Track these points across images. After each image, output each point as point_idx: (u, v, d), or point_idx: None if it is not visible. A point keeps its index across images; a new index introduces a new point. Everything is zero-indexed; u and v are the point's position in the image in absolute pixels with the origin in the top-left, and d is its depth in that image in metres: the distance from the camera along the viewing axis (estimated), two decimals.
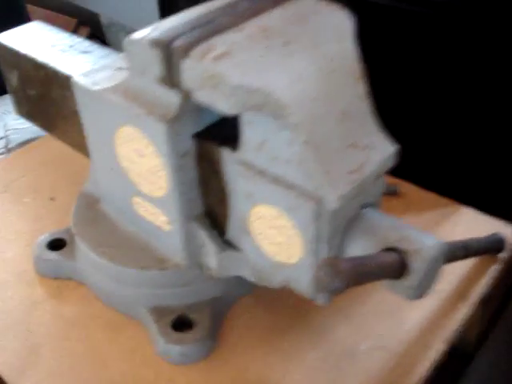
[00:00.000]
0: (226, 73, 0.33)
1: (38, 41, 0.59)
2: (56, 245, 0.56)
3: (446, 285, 0.52)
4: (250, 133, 0.37)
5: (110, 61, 0.49)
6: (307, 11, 0.38)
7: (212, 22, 0.37)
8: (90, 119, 0.48)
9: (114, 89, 0.44)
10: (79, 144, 0.57)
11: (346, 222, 0.38)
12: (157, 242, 0.50)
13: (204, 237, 0.46)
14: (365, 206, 0.39)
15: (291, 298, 0.51)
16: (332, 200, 0.35)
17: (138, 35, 0.37)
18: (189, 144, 0.42)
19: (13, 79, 0.61)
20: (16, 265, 0.58)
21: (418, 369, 0.46)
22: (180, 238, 0.47)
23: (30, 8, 1.14)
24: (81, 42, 0.58)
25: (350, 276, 0.32)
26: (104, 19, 1.08)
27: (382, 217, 0.39)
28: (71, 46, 0.57)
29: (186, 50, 0.34)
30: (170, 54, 0.35)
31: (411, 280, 0.37)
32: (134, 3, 0.90)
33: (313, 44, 0.36)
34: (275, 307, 0.52)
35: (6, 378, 0.48)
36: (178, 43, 0.34)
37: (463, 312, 0.51)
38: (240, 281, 0.48)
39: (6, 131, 0.89)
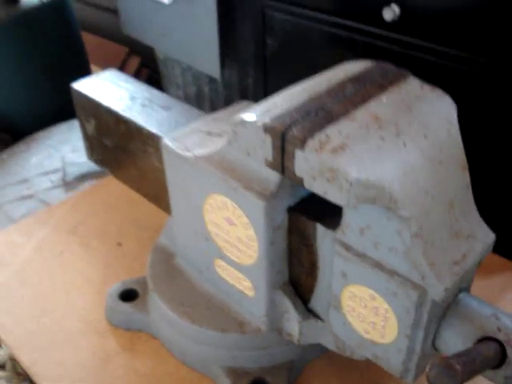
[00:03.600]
0: (344, 167, 0.33)
1: (117, 92, 0.60)
2: (128, 295, 0.57)
3: None
4: (352, 216, 0.38)
5: (197, 124, 0.50)
6: (414, 97, 0.39)
7: (323, 108, 0.37)
8: (177, 182, 0.49)
9: (209, 157, 0.44)
10: (154, 196, 0.58)
11: (444, 308, 0.39)
12: (237, 305, 0.50)
13: (288, 304, 0.46)
14: (461, 290, 0.40)
15: (363, 361, 0.51)
16: (438, 292, 0.36)
17: (249, 117, 0.38)
18: (283, 217, 0.43)
19: (89, 127, 0.62)
20: (87, 313, 0.58)
21: None
22: (264, 304, 0.47)
23: (84, 35, 1.15)
24: (159, 97, 0.59)
25: (464, 375, 0.32)
26: (159, 53, 1.09)
27: (479, 304, 0.39)
28: (151, 101, 0.58)
29: (302, 141, 0.34)
30: (284, 142, 0.35)
31: (510, 370, 0.37)
32: (193, 43, 0.91)
33: (422, 133, 0.37)
34: (347, 371, 0.53)
35: None
36: (293, 132, 0.35)
37: None
38: (316, 344, 0.48)
39: (63, 164, 0.90)
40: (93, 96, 0.60)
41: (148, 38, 1.02)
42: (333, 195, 0.35)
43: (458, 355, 0.35)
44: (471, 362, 0.34)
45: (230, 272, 0.49)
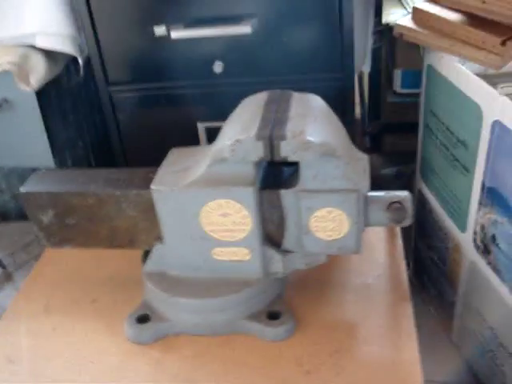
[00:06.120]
0: (311, 140, 0.62)
1: (67, 180, 0.76)
2: (143, 319, 0.75)
3: None
4: (306, 171, 0.66)
5: (164, 171, 0.72)
6: (304, 99, 0.70)
7: (273, 119, 0.65)
8: (170, 212, 0.70)
9: (196, 181, 0.68)
10: (129, 242, 0.76)
11: (365, 198, 0.69)
12: (236, 273, 0.73)
13: (272, 252, 0.72)
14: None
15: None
16: (365, 187, 0.67)
17: (242, 136, 0.63)
18: (259, 195, 0.68)
19: (45, 218, 0.76)
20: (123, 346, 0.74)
21: None
22: (259, 259, 0.72)
23: None
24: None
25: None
26: None
27: (376, 192, 0.71)
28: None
29: (283, 136, 0.62)
30: (271, 141, 0.62)
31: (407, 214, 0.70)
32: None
33: (320, 114, 0.68)
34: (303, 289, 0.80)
35: None
36: (274, 134, 0.62)
37: None
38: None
39: None
40: (42, 190, 0.74)
41: None
42: (307, 157, 0.63)
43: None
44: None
45: (226, 252, 0.72)
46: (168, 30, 0.86)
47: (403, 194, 0.70)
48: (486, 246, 0.81)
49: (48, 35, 0.92)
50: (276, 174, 0.72)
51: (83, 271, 0.88)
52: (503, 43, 0.76)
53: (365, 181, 0.68)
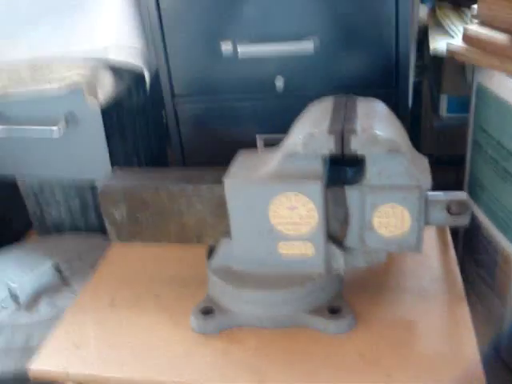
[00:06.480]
0: (380, 134, 0.66)
1: (141, 177, 0.81)
2: (208, 311, 0.78)
3: None
4: (372, 168, 0.70)
5: (236, 168, 0.76)
6: (368, 101, 0.74)
7: (343, 117, 0.70)
8: (240, 205, 0.74)
9: (268, 174, 0.72)
10: (198, 238, 0.80)
11: (425, 197, 0.73)
12: (299, 268, 0.76)
13: (334, 248, 0.75)
14: None
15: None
16: (427, 183, 0.70)
17: (314, 130, 0.68)
18: (325, 191, 0.72)
19: (117, 214, 0.81)
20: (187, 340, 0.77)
21: None
22: (322, 255, 0.75)
23: None
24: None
25: None
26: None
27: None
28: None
29: (354, 130, 0.66)
30: (342, 135, 0.66)
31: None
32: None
33: (382, 115, 0.72)
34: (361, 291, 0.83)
35: None
36: (345, 129, 0.67)
37: None
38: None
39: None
40: (123, 185, 0.79)
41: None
42: (376, 151, 0.67)
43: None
44: None
45: (291, 246, 0.75)
46: (234, 46, 0.92)
47: (462, 194, 0.73)
48: None
49: (120, 48, 0.98)
50: (340, 174, 0.76)
51: (146, 270, 0.92)
52: None
53: (426, 178, 0.71)
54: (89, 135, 1.11)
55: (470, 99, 1.00)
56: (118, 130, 1.18)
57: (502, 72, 0.88)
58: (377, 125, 0.69)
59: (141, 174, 0.83)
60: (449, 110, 1.18)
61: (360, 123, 0.68)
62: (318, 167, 0.71)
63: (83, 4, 1.03)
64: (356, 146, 0.67)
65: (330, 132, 0.67)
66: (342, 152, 0.68)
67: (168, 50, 0.96)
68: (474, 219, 1.03)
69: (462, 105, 1.15)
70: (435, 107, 1.22)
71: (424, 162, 0.74)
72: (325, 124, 0.69)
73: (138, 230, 0.82)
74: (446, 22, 1.25)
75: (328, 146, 0.68)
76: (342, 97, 0.77)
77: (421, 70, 1.43)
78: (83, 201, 1.25)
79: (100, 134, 1.10)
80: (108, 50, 1.00)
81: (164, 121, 1.16)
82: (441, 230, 0.94)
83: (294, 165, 0.71)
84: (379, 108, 0.75)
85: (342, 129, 0.67)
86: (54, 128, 1.05)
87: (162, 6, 0.94)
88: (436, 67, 1.21)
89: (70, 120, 1.09)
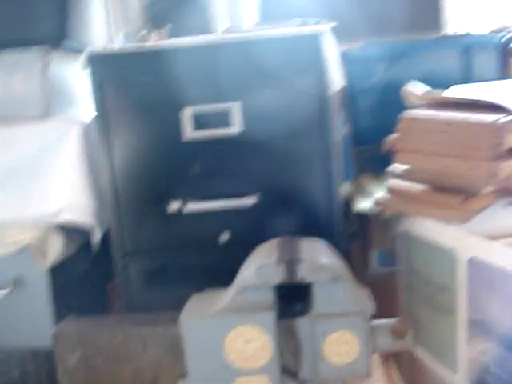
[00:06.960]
0: (324, 262, 0.73)
1: (96, 323, 0.82)
2: None
3: None
4: (319, 295, 0.76)
5: (192, 305, 0.80)
6: (311, 239, 0.82)
7: (287, 249, 0.77)
8: (196, 342, 0.76)
9: (223, 309, 0.76)
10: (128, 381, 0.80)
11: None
12: None
13: (289, 382, 0.77)
14: None
15: None
16: (371, 310, 0.76)
17: (264, 262, 0.74)
18: (276, 324, 0.76)
19: (72, 359, 0.80)
20: None
21: None
22: None
23: None
24: None
25: None
26: None
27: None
28: None
29: (299, 260, 0.73)
30: (291, 264, 0.73)
31: None
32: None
33: (328, 251, 0.80)
34: None
35: None
36: (292, 258, 0.73)
37: None
38: None
39: None
40: (78, 330, 0.80)
41: None
42: (321, 278, 0.73)
43: None
44: None
45: (248, 381, 0.77)
46: (182, 204, 1.00)
47: (400, 319, 0.80)
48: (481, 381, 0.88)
49: (73, 208, 1.04)
50: (290, 307, 0.81)
51: None
52: (463, 201, 0.93)
53: (370, 304, 0.77)
54: (34, 299, 1.12)
55: (399, 247, 1.10)
56: (66, 292, 1.18)
57: (423, 216, 0.99)
58: (321, 256, 0.77)
59: (95, 320, 0.84)
60: (379, 264, 1.27)
61: (306, 254, 0.76)
62: (270, 297, 0.76)
63: (38, 169, 1.10)
64: (303, 273, 0.74)
65: (280, 262, 0.74)
66: (291, 280, 0.74)
67: (121, 209, 1.03)
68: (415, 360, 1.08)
69: (391, 258, 1.25)
70: (365, 263, 1.32)
71: (365, 291, 0.81)
72: (274, 256, 0.76)
73: (92, 377, 0.81)
74: (369, 188, 1.40)
75: (278, 275, 0.74)
76: (285, 237, 0.85)
77: (351, 235, 1.56)
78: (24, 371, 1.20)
79: (45, 296, 1.11)
80: (61, 213, 1.05)
81: (110, 280, 1.18)
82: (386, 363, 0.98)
83: (247, 297, 0.76)
84: (320, 244, 0.83)
85: (290, 258, 0.74)
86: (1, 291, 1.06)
87: (116, 168, 1.02)
88: (364, 228, 1.33)
89: (17, 284, 1.10)
